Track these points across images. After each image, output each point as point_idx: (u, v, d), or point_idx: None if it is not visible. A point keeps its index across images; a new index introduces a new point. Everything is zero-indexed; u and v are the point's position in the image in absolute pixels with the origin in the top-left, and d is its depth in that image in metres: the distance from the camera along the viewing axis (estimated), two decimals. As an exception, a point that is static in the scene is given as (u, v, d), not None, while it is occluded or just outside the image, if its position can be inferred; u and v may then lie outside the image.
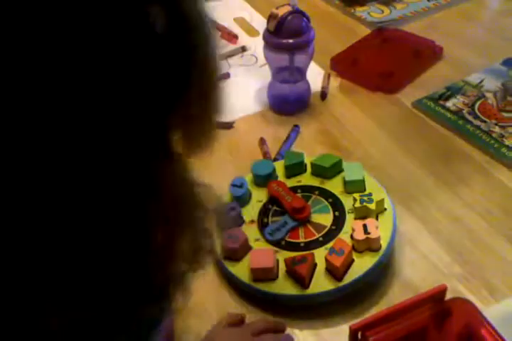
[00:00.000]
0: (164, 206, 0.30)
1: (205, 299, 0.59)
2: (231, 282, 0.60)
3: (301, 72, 0.82)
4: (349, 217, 0.62)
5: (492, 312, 0.52)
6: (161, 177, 0.30)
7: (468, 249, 0.62)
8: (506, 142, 0.75)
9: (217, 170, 0.66)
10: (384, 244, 0.58)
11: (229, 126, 0.82)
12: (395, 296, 0.58)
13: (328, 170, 0.66)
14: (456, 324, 0.49)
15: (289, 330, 0.56)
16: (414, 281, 0.59)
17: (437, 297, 0.50)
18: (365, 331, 0.47)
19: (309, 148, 0.76)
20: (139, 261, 0.30)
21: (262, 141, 0.78)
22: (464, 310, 0.50)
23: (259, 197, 0.66)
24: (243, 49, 0.99)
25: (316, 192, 0.66)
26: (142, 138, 0.27)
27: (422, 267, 0.61)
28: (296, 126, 0.81)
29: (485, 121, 0.79)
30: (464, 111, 0.81)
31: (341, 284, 0.55)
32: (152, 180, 0.29)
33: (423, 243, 0.63)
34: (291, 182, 0.67)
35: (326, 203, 0.64)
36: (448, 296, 0.51)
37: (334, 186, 0.66)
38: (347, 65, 0.92)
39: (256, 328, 0.55)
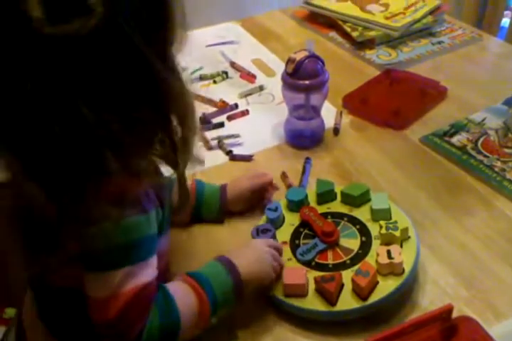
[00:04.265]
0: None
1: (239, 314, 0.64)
2: (264, 297, 0.65)
3: (316, 110, 0.89)
4: (375, 243, 0.66)
5: (495, 331, 0.56)
6: None
7: (472, 274, 0.67)
8: (508, 176, 0.80)
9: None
10: (407, 268, 0.62)
11: (249, 158, 0.89)
12: (404, 316, 0.62)
13: (356, 198, 0.71)
14: (463, 340, 0.53)
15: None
16: (423, 303, 0.64)
17: (444, 315, 0.54)
18: (378, 345, 0.52)
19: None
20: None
21: (284, 175, 0.84)
22: (470, 327, 0.54)
23: (292, 220, 0.72)
24: (261, 88, 1.06)
25: (345, 219, 0.71)
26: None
27: (430, 290, 0.65)
28: (308, 158, 0.87)
29: (487, 156, 0.85)
30: (468, 147, 0.87)
31: (366, 303, 0.60)
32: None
33: (431, 268, 0.68)
34: (321, 209, 0.72)
35: (354, 229, 0.69)
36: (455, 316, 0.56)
37: (362, 213, 0.71)
38: (358, 104, 0.99)
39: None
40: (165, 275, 0.65)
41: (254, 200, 0.78)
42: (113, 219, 0.49)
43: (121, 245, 0.52)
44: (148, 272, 0.53)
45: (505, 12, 1.98)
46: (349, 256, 0.66)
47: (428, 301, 0.64)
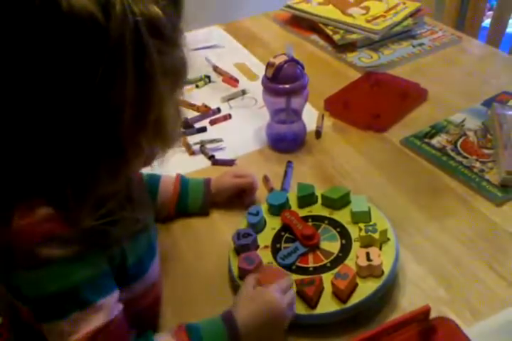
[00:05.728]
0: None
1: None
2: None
3: (297, 113, 0.89)
4: (355, 245, 0.67)
5: (474, 330, 0.57)
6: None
7: (452, 275, 0.67)
8: (486, 176, 0.81)
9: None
10: (386, 270, 0.63)
11: (231, 163, 0.89)
12: (384, 317, 0.62)
13: (336, 201, 0.72)
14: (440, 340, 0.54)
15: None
16: (403, 305, 0.64)
17: (422, 316, 0.55)
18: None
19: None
20: None
21: (266, 178, 0.84)
22: (447, 328, 0.55)
23: (273, 224, 0.72)
24: (243, 92, 1.06)
25: (326, 222, 0.71)
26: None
27: (410, 291, 0.66)
28: (289, 162, 0.88)
29: (467, 157, 0.86)
30: (448, 148, 0.88)
31: (346, 306, 0.60)
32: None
33: (411, 269, 0.68)
34: (302, 212, 0.73)
35: (335, 232, 0.70)
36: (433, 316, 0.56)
37: (342, 216, 0.71)
38: (339, 106, 0.99)
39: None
40: (159, 300, 0.64)
41: (236, 197, 0.79)
42: (37, 264, 0.47)
43: (55, 293, 0.48)
44: (98, 316, 0.49)
45: (488, 13, 2.00)
46: (329, 259, 0.66)
47: (408, 302, 0.64)
